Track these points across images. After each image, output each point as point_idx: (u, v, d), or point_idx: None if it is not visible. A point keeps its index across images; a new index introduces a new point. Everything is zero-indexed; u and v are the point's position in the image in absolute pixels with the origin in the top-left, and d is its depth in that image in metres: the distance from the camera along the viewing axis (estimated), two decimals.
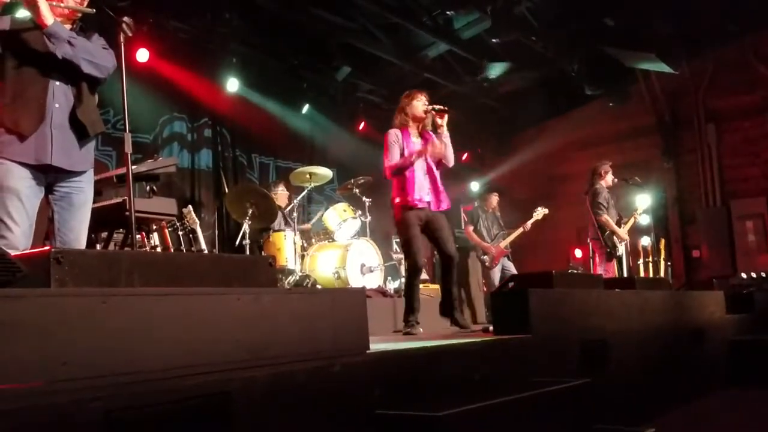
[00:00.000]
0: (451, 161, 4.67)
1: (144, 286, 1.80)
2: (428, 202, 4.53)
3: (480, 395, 2.31)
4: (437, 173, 4.62)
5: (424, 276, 8.02)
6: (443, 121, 4.60)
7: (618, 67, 9.21)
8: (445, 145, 4.59)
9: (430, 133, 4.68)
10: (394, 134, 4.58)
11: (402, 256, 6.60)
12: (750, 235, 9.03)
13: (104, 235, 4.48)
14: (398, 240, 6.90)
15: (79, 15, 3.10)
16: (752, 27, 8.85)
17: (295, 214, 6.77)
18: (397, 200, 4.55)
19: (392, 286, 7.38)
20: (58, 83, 3.01)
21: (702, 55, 9.57)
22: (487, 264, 7.46)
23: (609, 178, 7.13)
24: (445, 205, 4.61)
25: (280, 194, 7.00)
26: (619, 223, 7.02)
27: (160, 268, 1.91)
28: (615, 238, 6.92)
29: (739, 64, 9.34)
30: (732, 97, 9.51)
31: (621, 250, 7.04)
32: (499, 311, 3.38)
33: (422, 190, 4.50)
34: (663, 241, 9.89)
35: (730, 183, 9.62)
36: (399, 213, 4.55)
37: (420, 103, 4.63)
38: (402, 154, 4.52)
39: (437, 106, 4.61)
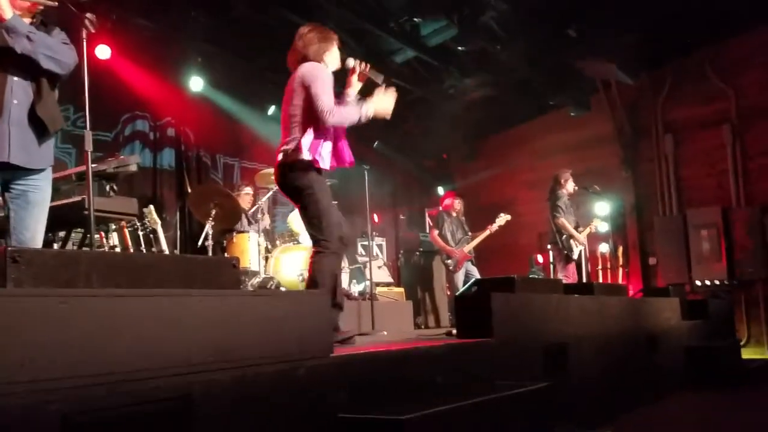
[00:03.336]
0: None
1: (103, 287, 1.77)
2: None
3: (443, 398, 2.33)
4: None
5: (388, 279, 8.12)
6: (358, 86, 3.71)
7: (579, 76, 9.40)
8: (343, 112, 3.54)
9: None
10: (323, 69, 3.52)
11: (367, 258, 6.61)
12: (705, 243, 9.27)
13: (62, 234, 4.37)
14: (364, 243, 6.87)
15: (41, 8, 3.03)
16: (709, 39, 9.09)
17: (259, 216, 6.71)
18: (307, 156, 3.45)
19: (357, 288, 7.37)
20: (16, 79, 2.93)
21: (661, 66, 9.81)
22: (450, 268, 7.52)
23: (570, 186, 7.28)
24: None
25: (245, 195, 6.94)
26: (576, 229, 7.17)
27: (120, 269, 1.87)
28: (572, 241, 7.06)
29: (696, 76, 9.58)
30: (689, 108, 9.75)
31: (577, 253, 7.18)
32: (462, 315, 3.41)
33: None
34: (621, 248, 10.11)
35: (686, 192, 9.86)
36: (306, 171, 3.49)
37: (338, 53, 3.66)
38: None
39: (372, 71, 3.68)
